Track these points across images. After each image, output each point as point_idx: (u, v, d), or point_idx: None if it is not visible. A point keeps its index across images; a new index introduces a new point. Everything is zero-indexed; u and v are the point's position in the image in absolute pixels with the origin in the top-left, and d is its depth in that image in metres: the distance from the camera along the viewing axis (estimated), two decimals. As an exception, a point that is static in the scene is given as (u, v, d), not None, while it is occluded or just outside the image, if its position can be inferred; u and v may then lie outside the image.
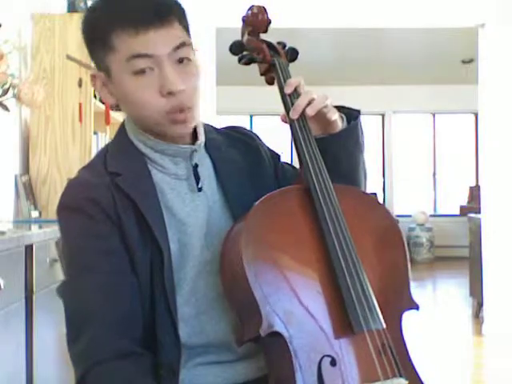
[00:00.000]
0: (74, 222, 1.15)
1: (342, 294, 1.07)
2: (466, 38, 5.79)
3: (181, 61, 1.12)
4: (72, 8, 3.52)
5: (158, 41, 1.08)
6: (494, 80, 4.59)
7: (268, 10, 1.32)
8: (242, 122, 9.53)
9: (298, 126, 1.21)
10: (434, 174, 10.19)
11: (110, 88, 1.16)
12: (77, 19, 3.41)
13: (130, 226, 1.13)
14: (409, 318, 1.21)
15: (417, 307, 1.17)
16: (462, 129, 10.05)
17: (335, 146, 1.24)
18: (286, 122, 1.24)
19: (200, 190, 1.20)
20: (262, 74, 1.34)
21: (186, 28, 1.15)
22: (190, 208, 1.19)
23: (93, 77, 1.18)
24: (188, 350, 1.16)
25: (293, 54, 1.35)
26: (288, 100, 1.23)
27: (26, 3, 3.37)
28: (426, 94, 9.52)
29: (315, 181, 1.16)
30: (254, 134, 1.37)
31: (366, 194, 1.23)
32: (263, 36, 1.34)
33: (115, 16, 1.09)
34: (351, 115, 1.28)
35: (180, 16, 1.13)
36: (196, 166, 1.21)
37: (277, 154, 1.37)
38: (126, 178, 1.16)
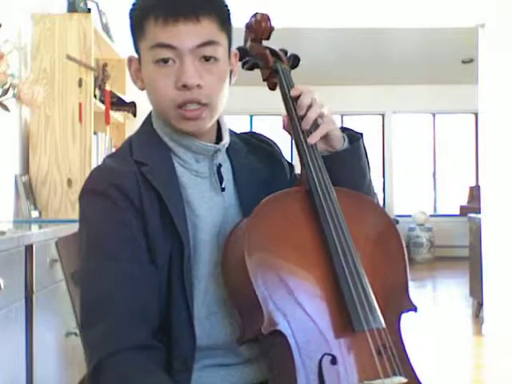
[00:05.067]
0: (98, 206, 1.14)
1: (343, 293, 1.08)
2: (466, 37, 5.78)
3: (207, 59, 1.13)
4: (72, 8, 3.52)
5: (184, 34, 1.10)
6: (494, 80, 4.58)
7: (268, 10, 1.34)
8: (242, 122, 9.53)
9: (300, 129, 1.22)
10: (434, 174, 10.18)
11: (140, 73, 1.19)
12: (77, 19, 3.42)
13: (153, 215, 1.14)
14: (409, 318, 1.22)
15: (415, 309, 1.18)
16: (462, 129, 10.05)
17: (334, 164, 1.23)
18: (286, 130, 1.25)
19: (223, 189, 1.22)
20: (264, 80, 1.37)
21: (224, 28, 1.15)
22: (208, 206, 1.20)
23: (129, 60, 1.21)
24: (196, 351, 1.16)
25: (295, 61, 1.37)
26: (291, 104, 1.24)
27: (25, 3, 3.37)
28: (426, 94, 9.52)
29: (316, 182, 1.17)
30: (272, 141, 1.38)
31: (365, 196, 1.24)
32: (266, 43, 1.36)
33: (152, 5, 1.11)
34: (353, 137, 1.27)
35: (218, 15, 1.13)
36: (220, 166, 1.22)
37: (291, 164, 1.38)
38: (152, 168, 1.16)
